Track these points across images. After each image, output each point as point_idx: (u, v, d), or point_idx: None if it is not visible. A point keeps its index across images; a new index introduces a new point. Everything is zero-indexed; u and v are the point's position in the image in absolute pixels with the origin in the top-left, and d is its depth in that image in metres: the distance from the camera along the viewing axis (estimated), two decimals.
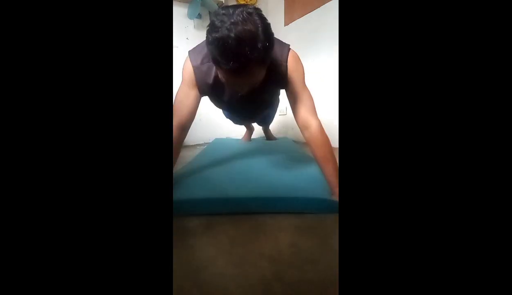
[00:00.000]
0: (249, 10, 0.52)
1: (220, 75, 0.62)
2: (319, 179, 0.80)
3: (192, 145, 2.01)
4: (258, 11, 0.53)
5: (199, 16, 2.09)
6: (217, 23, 0.51)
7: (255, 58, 0.52)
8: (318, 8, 1.78)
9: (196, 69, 0.73)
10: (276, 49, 0.71)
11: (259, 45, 0.51)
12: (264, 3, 2.44)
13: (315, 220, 0.64)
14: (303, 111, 0.75)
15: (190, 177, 0.85)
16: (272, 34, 0.55)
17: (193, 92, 0.75)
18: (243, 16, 0.50)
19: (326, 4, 1.69)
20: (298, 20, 2.02)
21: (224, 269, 0.45)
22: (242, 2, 2.34)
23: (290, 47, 0.75)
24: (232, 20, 0.50)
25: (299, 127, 0.77)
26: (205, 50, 0.71)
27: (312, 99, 0.77)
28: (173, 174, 0.85)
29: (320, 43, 1.79)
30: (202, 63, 0.72)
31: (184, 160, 1.25)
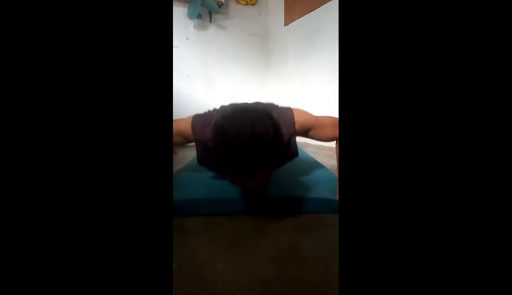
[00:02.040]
0: (258, 114, 0.50)
1: (224, 175, 0.58)
2: (320, 179, 0.80)
3: (192, 146, 2.01)
4: (267, 114, 0.52)
5: (199, 16, 2.09)
6: (226, 123, 0.49)
7: (265, 163, 0.50)
8: (318, 8, 1.78)
9: (196, 141, 0.69)
10: (282, 115, 0.67)
11: (270, 150, 0.49)
12: (264, 3, 2.44)
13: (315, 220, 0.64)
14: (326, 130, 0.72)
15: (190, 177, 0.85)
16: (281, 135, 0.53)
17: (187, 128, 0.70)
18: (252, 119, 0.48)
19: (326, 4, 1.69)
20: (298, 20, 2.02)
21: (224, 269, 0.45)
22: (242, 3, 2.34)
23: (292, 108, 0.72)
24: (241, 124, 0.47)
25: (329, 141, 0.74)
26: (210, 120, 0.67)
27: (329, 117, 0.74)
28: (173, 174, 0.85)
29: (320, 43, 1.79)
30: (204, 132, 0.67)
31: (184, 160, 1.25)
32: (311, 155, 1.27)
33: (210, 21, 2.21)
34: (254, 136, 0.47)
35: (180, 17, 2.04)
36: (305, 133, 0.72)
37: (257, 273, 0.44)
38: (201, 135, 0.67)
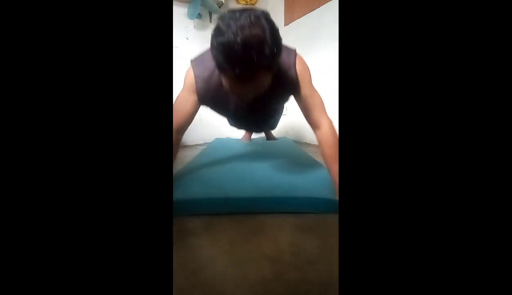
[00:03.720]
0: (256, 14, 0.50)
1: (224, 83, 0.60)
2: (320, 179, 0.80)
3: (192, 145, 2.01)
4: (266, 16, 0.51)
5: (199, 16, 2.09)
6: (223, 27, 0.48)
7: (262, 64, 0.50)
8: (318, 8, 1.78)
9: (197, 78, 0.71)
10: (283, 54, 0.68)
11: (267, 51, 0.49)
12: (264, 3, 2.44)
13: (315, 220, 0.64)
14: (315, 111, 0.74)
15: (190, 177, 0.85)
16: (280, 39, 0.53)
17: (192, 98, 0.74)
18: (250, 20, 0.48)
19: (326, 4, 1.69)
20: (298, 20, 2.02)
21: (224, 269, 0.45)
22: (242, 3, 2.34)
23: (296, 51, 0.74)
24: (239, 24, 0.47)
25: (311, 127, 0.77)
26: (208, 58, 0.68)
27: (321, 99, 0.77)
28: (173, 174, 0.85)
29: (320, 43, 1.79)
30: (204, 72, 0.71)
31: (184, 160, 1.25)
32: (311, 155, 1.27)
33: (210, 21, 2.21)
34: (251, 36, 0.47)
35: (180, 17, 2.04)
36: (293, 88, 0.74)
37: (257, 273, 0.44)
38: (203, 73, 0.71)
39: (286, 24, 2.17)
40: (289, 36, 2.13)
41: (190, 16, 2.03)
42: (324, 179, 0.79)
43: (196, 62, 0.73)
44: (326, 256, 0.49)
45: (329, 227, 0.61)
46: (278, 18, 2.28)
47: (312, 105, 0.75)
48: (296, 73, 0.72)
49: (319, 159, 1.22)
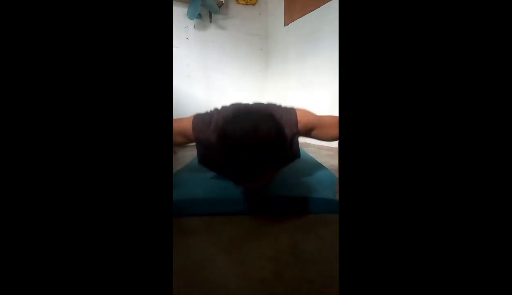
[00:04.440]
0: (261, 116, 0.50)
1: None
2: (320, 179, 0.80)
3: (192, 146, 2.01)
4: (270, 116, 0.51)
5: (199, 16, 2.09)
6: (229, 126, 0.48)
7: (269, 166, 0.50)
8: (318, 8, 1.78)
9: (197, 140, 0.69)
10: (284, 116, 0.67)
11: (274, 153, 0.49)
12: (264, 3, 2.44)
13: (315, 220, 0.64)
14: (331, 130, 0.71)
15: (190, 177, 0.85)
16: (285, 138, 0.53)
17: (186, 130, 0.70)
18: (255, 121, 0.48)
19: (326, 4, 1.69)
20: (298, 20, 2.02)
21: (224, 269, 0.45)
22: (242, 3, 2.34)
23: (295, 108, 0.72)
24: (244, 129, 0.47)
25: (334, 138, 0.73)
26: (211, 123, 0.66)
27: (333, 117, 0.73)
28: (173, 174, 0.85)
29: (320, 43, 1.79)
30: (204, 135, 0.67)
31: (184, 160, 1.25)
32: (311, 155, 1.27)
33: (210, 21, 2.21)
34: (257, 140, 0.47)
35: (180, 17, 2.04)
36: (308, 133, 0.72)
37: (257, 273, 0.44)
38: (202, 135, 0.67)
39: (286, 24, 2.18)
40: (289, 36, 2.13)
41: (190, 16, 2.03)
42: (324, 179, 0.79)
43: (198, 120, 0.69)
44: (326, 256, 0.49)
45: (329, 227, 0.61)
46: (278, 18, 2.28)
47: (325, 127, 0.71)
48: (298, 128, 0.68)
49: (319, 159, 1.22)
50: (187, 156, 1.42)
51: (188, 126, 0.69)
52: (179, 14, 2.03)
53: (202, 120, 0.69)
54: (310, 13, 1.86)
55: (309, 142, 1.83)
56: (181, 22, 2.07)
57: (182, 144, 0.74)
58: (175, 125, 0.69)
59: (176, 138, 0.71)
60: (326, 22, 1.70)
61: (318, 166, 1.00)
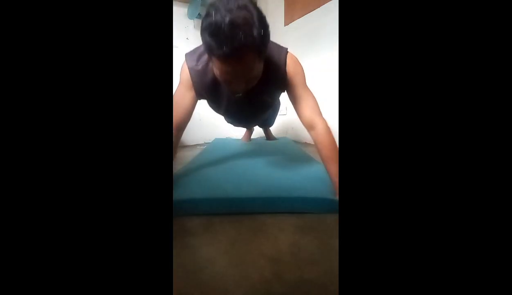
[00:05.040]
0: (243, 0, 0.53)
1: (215, 71, 0.61)
2: (320, 179, 0.80)
3: (192, 145, 2.01)
4: (253, 3, 0.54)
5: (199, 16, 2.09)
6: (211, 11, 0.51)
7: (249, 44, 0.52)
8: (318, 8, 1.77)
9: (191, 69, 0.73)
10: (274, 51, 0.71)
11: (254, 32, 0.51)
12: (264, 3, 2.44)
13: (315, 220, 0.64)
14: (308, 111, 0.75)
15: (190, 177, 0.85)
16: (267, 25, 0.55)
17: (189, 94, 0.76)
18: (238, 4, 0.51)
19: (326, 4, 1.69)
20: (298, 20, 2.02)
21: (224, 269, 0.45)
22: None
23: (288, 50, 0.75)
24: (227, 8, 0.50)
25: (305, 127, 0.77)
26: (201, 52, 0.71)
27: (315, 99, 0.77)
28: (173, 174, 0.85)
29: (320, 43, 1.79)
30: (197, 63, 0.72)
31: (184, 160, 1.25)
32: (311, 155, 1.27)
33: None
34: (238, 17, 0.49)
35: (180, 17, 2.04)
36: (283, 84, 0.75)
37: (257, 273, 0.44)
38: (198, 78, 0.72)
39: (286, 24, 2.17)
40: (289, 36, 2.13)
41: (190, 16, 2.03)
42: (324, 179, 0.79)
43: (189, 55, 0.74)
44: (326, 256, 0.49)
45: (329, 227, 0.60)
46: (278, 18, 2.28)
47: (304, 104, 0.75)
48: (286, 71, 0.73)
49: (319, 159, 1.22)
50: (187, 156, 1.42)
51: (186, 76, 0.75)
52: (179, 14, 2.03)
53: (193, 57, 0.73)
54: (310, 13, 1.86)
55: (309, 142, 1.83)
56: (181, 22, 2.07)
57: (189, 117, 0.78)
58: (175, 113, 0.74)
59: (182, 119, 0.75)
60: (326, 22, 1.70)
61: (318, 166, 1.00)
